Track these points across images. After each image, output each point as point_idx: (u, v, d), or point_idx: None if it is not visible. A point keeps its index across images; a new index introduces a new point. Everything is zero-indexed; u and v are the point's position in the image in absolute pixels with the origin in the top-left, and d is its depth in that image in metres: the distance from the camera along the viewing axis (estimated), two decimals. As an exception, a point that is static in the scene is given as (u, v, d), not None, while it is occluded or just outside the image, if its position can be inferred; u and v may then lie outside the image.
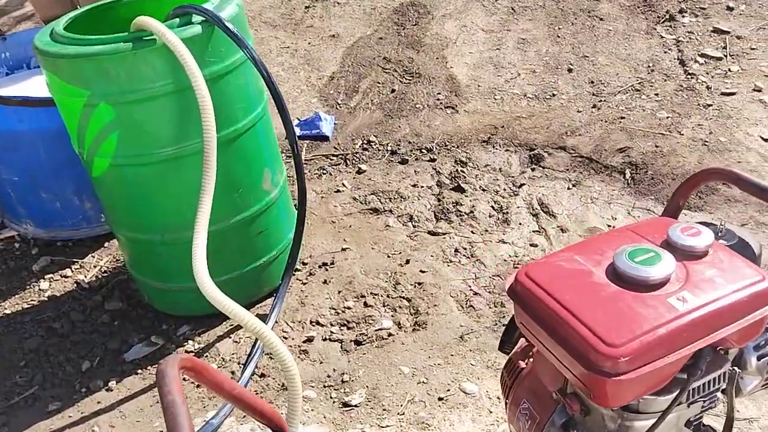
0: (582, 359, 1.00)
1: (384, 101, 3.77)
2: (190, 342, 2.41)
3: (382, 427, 2.04)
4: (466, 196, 2.99)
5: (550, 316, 1.07)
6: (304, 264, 2.70)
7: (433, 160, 3.27)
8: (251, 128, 2.29)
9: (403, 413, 2.08)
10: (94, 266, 2.83)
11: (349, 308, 2.48)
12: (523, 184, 3.04)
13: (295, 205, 2.70)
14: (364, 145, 3.44)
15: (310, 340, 2.37)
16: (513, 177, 3.11)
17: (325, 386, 2.20)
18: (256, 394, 2.17)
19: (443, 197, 3.00)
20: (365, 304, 2.48)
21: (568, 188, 3.01)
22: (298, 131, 3.50)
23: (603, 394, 1.01)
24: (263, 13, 4.73)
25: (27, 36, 3.15)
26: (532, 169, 3.16)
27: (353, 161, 3.35)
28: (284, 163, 2.66)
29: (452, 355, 2.26)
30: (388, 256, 2.72)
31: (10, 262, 2.92)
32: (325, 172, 3.29)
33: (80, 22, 2.30)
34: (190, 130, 2.09)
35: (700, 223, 1.21)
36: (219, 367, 2.29)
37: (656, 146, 3.18)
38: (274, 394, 2.19)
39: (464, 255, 2.69)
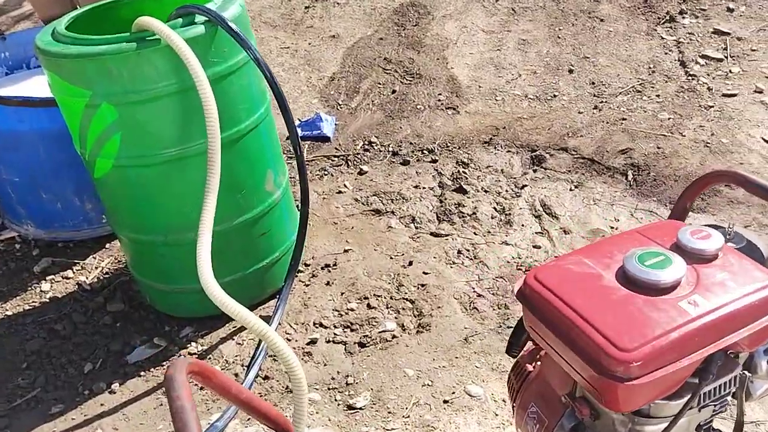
0: (594, 364, 1.00)
1: (385, 102, 3.76)
2: (193, 344, 2.40)
3: (387, 429, 2.03)
4: (468, 198, 2.98)
5: (561, 320, 1.07)
6: (307, 265, 2.70)
7: (434, 161, 3.26)
8: (254, 129, 2.28)
9: (408, 416, 2.07)
10: (96, 267, 2.82)
11: (352, 310, 2.47)
12: (525, 186, 3.04)
13: (297, 206, 2.69)
14: (366, 146, 3.43)
15: (313, 342, 2.36)
16: (515, 178, 3.10)
17: (329, 389, 2.19)
18: (260, 396, 2.16)
19: (445, 198, 2.99)
20: (368, 306, 2.48)
21: (571, 189, 3.00)
22: (299, 132, 3.49)
23: (614, 399, 1.01)
24: (263, 13, 4.72)
25: (27, 36, 3.14)
26: (534, 171, 3.15)
27: (355, 162, 3.34)
28: (286, 164, 2.66)
29: (457, 357, 2.26)
30: (391, 258, 2.71)
31: (11, 263, 2.90)
32: (326, 173, 3.29)
33: (81, 22, 2.28)
34: (194, 130, 2.08)
35: (709, 225, 1.21)
36: (222, 369, 2.28)
37: (658, 147, 3.18)
38: (278, 396, 2.19)
39: (467, 257, 2.68)
